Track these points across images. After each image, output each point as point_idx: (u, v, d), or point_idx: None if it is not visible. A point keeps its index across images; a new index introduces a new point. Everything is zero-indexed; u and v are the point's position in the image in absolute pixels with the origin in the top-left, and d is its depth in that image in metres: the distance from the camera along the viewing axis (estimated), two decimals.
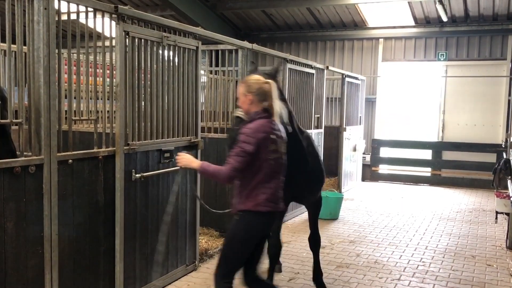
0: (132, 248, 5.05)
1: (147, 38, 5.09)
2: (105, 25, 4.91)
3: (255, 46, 7.59)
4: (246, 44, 7.37)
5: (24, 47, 4.12)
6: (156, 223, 5.28)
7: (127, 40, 4.83)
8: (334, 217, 9.30)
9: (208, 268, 6.14)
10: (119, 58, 4.76)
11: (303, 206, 9.58)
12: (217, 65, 8.67)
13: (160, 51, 5.33)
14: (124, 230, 4.88)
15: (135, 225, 5.07)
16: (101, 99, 6.71)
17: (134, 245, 5.10)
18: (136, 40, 4.95)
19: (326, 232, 8.34)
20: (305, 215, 9.55)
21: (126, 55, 4.83)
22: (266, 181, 3.85)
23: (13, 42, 4.28)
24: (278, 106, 3.95)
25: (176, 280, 5.78)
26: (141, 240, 5.19)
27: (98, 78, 4.94)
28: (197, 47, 5.88)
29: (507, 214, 7.28)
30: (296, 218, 9.33)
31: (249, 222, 3.86)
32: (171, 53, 5.51)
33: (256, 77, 4.07)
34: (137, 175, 5.02)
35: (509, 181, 6.42)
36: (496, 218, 7.87)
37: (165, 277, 5.61)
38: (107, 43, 5.42)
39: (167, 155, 5.46)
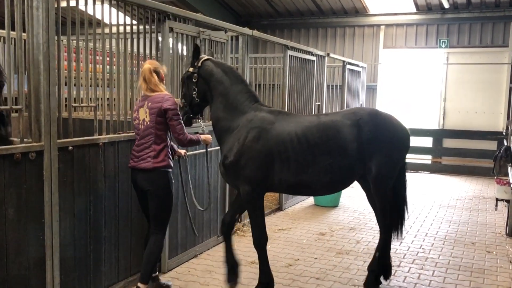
0: (174, 218, 5.54)
1: (187, 33, 5.84)
2: (105, 12, 4.89)
3: (255, 33, 7.55)
4: (246, 30, 7.34)
5: (23, 33, 4.10)
6: (194, 197, 5.83)
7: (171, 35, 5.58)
8: (334, 205, 9.32)
9: (240, 237, 7.05)
10: (165, 51, 5.52)
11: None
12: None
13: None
14: None
15: (177, 198, 5.55)
16: (101, 86, 6.71)
17: (177, 216, 5.73)
18: (179, 35, 5.73)
19: (326, 219, 8.36)
20: (304, 203, 9.60)
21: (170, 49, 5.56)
22: (135, 143, 4.74)
23: (12, 29, 4.27)
24: (143, 85, 4.69)
25: (209, 249, 6.55)
26: (182, 212, 5.83)
27: (98, 66, 4.94)
28: (227, 40, 6.73)
29: (507, 201, 7.29)
30: (296, 206, 9.36)
31: None
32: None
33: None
34: (183, 157, 5.47)
35: (509, 168, 6.42)
36: (496, 205, 7.89)
37: (201, 245, 6.38)
38: (106, 30, 5.40)
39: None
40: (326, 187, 4.91)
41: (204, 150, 5.62)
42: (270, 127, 4.74)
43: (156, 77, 4.66)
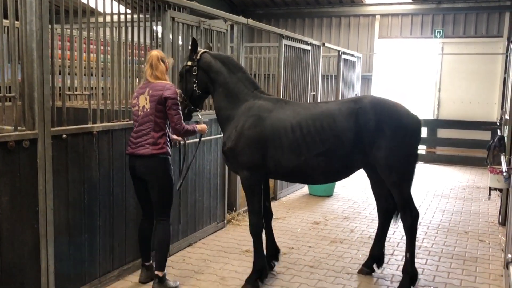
0: (175, 204, 5.61)
1: (188, 23, 5.94)
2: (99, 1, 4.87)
3: (250, 21, 7.52)
4: (241, 19, 7.30)
5: (16, 21, 4.07)
6: (194, 185, 6.25)
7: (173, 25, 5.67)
8: (328, 194, 9.36)
9: (235, 226, 7.18)
10: (166, 40, 5.58)
11: (298, 184, 9.68)
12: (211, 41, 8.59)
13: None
14: None
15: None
16: (95, 75, 6.69)
17: (178, 202, 5.87)
18: (180, 24, 5.81)
19: (321, 208, 8.40)
20: (299, 192, 9.63)
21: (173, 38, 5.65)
22: (132, 129, 4.75)
23: (5, 16, 4.25)
24: (148, 71, 4.69)
25: (209, 235, 6.68)
26: (183, 198, 6.03)
27: (92, 54, 4.93)
28: (227, 30, 6.81)
29: (500, 190, 7.33)
30: (291, 195, 9.39)
31: None
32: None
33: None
34: (181, 142, 5.50)
35: (502, 157, 6.45)
36: (489, 194, 7.92)
37: (201, 231, 6.52)
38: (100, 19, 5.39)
39: None
40: (323, 175, 4.92)
41: (204, 138, 5.77)
42: (267, 115, 4.83)
43: (163, 65, 4.69)
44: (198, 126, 5.00)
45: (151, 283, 4.84)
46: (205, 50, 5.11)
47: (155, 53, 4.71)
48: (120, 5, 5.21)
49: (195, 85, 4.99)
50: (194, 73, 4.98)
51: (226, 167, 6.97)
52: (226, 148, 4.93)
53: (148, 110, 4.60)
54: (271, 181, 7.91)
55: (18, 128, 3.97)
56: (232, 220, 7.32)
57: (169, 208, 4.82)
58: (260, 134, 4.78)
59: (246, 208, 7.44)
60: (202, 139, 5.88)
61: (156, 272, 4.76)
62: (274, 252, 5.49)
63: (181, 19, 5.82)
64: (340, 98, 11.45)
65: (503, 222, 7.35)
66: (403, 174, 4.87)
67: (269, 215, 5.38)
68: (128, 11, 5.34)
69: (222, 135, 5.23)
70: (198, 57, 4.99)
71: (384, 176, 4.86)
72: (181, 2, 5.75)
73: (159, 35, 5.70)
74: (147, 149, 4.59)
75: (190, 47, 5.07)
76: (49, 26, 4.13)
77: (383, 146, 4.69)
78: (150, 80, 4.67)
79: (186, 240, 6.21)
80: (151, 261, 5.04)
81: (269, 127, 4.79)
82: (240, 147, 4.81)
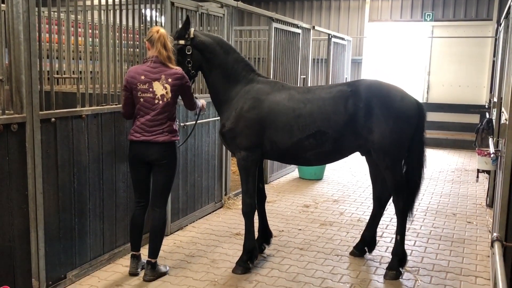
0: (176, 184, 5.92)
1: (187, 8, 6.10)
2: None
3: (240, 4, 7.46)
4: (231, 1, 7.24)
5: (2, 4, 4.01)
6: (193, 165, 6.46)
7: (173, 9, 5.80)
8: (318, 178, 9.41)
9: (235, 205, 7.39)
10: (168, 26, 5.65)
11: (288, 166, 9.72)
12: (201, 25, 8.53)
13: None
14: None
15: (178, 165, 5.69)
16: (83, 59, 6.62)
17: (178, 182, 6.07)
18: (179, 9, 5.96)
19: (311, 192, 8.45)
20: (290, 176, 9.67)
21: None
22: (139, 115, 4.57)
23: None
24: (154, 51, 4.51)
25: (207, 214, 6.92)
26: (183, 178, 6.23)
27: (80, 38, 4.88)
28: (224, 15, 7.01)
29: (488, 172, 7.40)
30: (281, 179, 9.43)
31: (128, 148, 4.75)
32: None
33: (154, 27, 4.66)
34: (181, 124, 5.82)
35: (490, 139, 6.51)
36: (478, 177, 7.99)
37: (200, 210, 6.75)
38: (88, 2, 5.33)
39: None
40: (315, 156, 4.94)
41: (203, 120, 6.09)
42: (265, 98, 4.90)
43: (170, 45, 4.59)
44: (201, 101, 5.19)
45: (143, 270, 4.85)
46: (193, 29, 4.96)
47: (164, 31, 4.54)
48: None
49: (189, 65, 4.86)
50: (188, 53, 4.83)
51: (224, 149, 7.13)
52: (226, 129, 4.96)
53: (170, 100, 4.53)
54: None
55: (6, 111, 3.93)
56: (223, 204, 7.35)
57: (168, 195, 4.85)
58: (258, 116, 4.84)
59: (237, 191, 7.55)
60: (200, 121, 6.11)
61: (148, 259, 4.73)
62: (266, 236, 5.52)
63: (181, 4, 5.93)
64: (330, 82, 11.47)
65: (491, 204, 7.43)
66: (396, 158, 4.86)
67: (262, 197, 5.41)
68: None
69: (219, 117, 5.23)
70: (192, 35, 4.85)
71: (377, 160, 4.89)
72: None
73: (148, 18, 5.66)
74: (166, 137, 4.58)
75: (183, 25, 4.88)
76: (36, 8, 4.08)
77: (376, 129, 4.70)
78: (165, 63, 4.51)
79: (186, 218, 6.40)
80: (140, 251, 4.91)
81: (267, 109, 4.85)
82: (239, 129, 4.86)
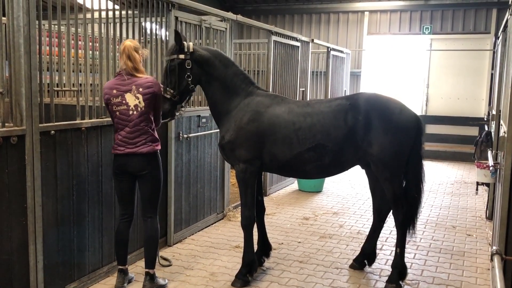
0: (179, 195, 6.16)
1: (190, 22, 6.23)
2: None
3: (239, 17, 7.51)
4: (230, 15, 7.30)
5: (3, 17, 4.04)
6: (196, 176, 6.57)
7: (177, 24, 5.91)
8: (318, 190, 9.40)
9: (234, 217, 7.35)
10: (170, 39, 5.67)
11: (288, 178, 9.71)
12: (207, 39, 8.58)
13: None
14: (175, 179, 6.02)
15: (181, 176, 6.19)
16: (83, 72, 6.64)
17: (181, 193, 6.24)
18: (183, 24, 6.07)
19: (310, 204, 8.43)
20: (289, 188, 9.66)
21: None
22: (118, 128, 4.58)
23: None
24: (122, 63, 4.54)
25: (209, 225, 6.96)
26: (186, 189, 6.35)
27: (80, 51, 4.90)
28: (226, 28, 7.10)
29: (487, 185, 7.40)
30: (281, 191, 9.42)
31: (112, 161, 4.72)
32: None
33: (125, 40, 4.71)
34: (184, 136, 6.10)
35: (489, 152, 6.51)
36: (477, 189, 8.00)
37: (202, 221, 6.82)
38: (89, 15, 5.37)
39: (204, 120, 6.62)
40: (315, 169, 4.95)
41: (205, 132, 6.33)
42: (264, 111, 4.91)
43: (138, 55, 4.55)
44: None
45: (141, 281, 4.83)
46: (191, 43, 4.95)
47: (129, 43, 4.54)
48: (115, 4, 5.20)
49: (189, 79, 4.82)
50: (188, 67, 4.79)
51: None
52: (225, 141, 4.97)
53: (143, 108, 4.51)
54: None
55: (6, 124, 3.94)
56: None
57: (157, 204, 4.78)
58: (258, 128, 4.85)
59: (236, 204, 7.54)
60: (203, 132, 6.42)
61: (146, 270, 4.70)
62: (265, 248, 5.50)
63: (184, 18, 6.04)
64: (329, 94, 11.52)
65: (490, 217, 7.42)
66: (396, 170, 4.85)
67: (261, 209, 5.40)
68: (117, 7, 5.31)
69: (219, 129, 5.24)
70: (191, 49, 4.82)
71: (377, 172, 4.90)
72: (189, 3, 5.99)
73: (148, 31, 5.69)
74: (150, 147, 4.58)
75: (175, 40, 4.84)
76: (37, 22, 4.10)
77: (375, 142, 4.71)
78: (132, 73, 4.51)
79: (188, 229, 6.46)
80: (126, 265, 4.85)
81: (266, 122, 4.87)
82: (239, 141, 4.88)
